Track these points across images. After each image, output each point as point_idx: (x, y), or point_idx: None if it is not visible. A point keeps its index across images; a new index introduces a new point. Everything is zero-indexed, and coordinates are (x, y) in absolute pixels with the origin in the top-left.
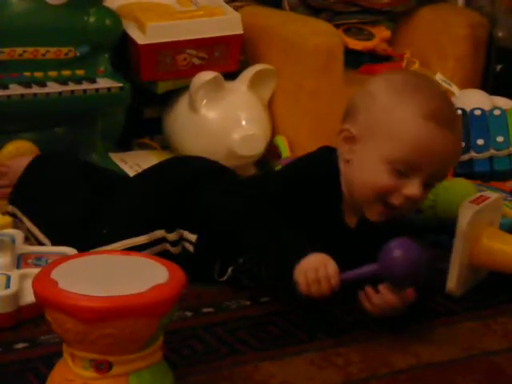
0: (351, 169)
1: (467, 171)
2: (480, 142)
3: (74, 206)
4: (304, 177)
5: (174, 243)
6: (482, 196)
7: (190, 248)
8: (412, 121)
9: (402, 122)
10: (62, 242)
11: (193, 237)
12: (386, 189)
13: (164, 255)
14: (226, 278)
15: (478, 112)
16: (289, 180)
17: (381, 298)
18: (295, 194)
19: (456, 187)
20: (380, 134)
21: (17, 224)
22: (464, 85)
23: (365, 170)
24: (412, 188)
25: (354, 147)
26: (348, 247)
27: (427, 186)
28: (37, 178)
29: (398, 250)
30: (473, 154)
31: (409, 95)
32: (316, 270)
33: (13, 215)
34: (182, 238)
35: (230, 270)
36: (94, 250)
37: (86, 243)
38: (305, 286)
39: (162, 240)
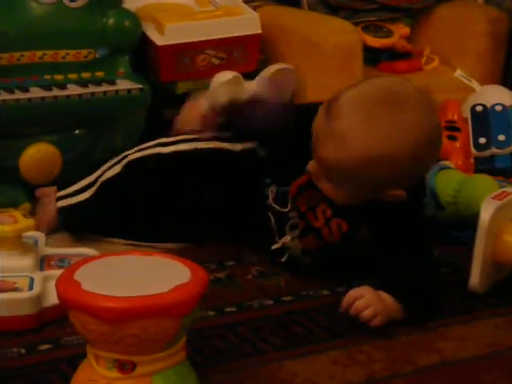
0: None
1: (489, 167)
2: (501, 137)
3: None
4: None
5: None
6: (504, 192)
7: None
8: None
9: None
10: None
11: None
12: None
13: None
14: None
15: (498, 108)
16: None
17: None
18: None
19: (478, 183)
20: None
21: None
22: (484, 81)
23: None
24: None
25: None
26: None
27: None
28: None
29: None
30: (494, 149)
31: None
32: None
33: None
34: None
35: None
36: None
37: None
38: None
39: None
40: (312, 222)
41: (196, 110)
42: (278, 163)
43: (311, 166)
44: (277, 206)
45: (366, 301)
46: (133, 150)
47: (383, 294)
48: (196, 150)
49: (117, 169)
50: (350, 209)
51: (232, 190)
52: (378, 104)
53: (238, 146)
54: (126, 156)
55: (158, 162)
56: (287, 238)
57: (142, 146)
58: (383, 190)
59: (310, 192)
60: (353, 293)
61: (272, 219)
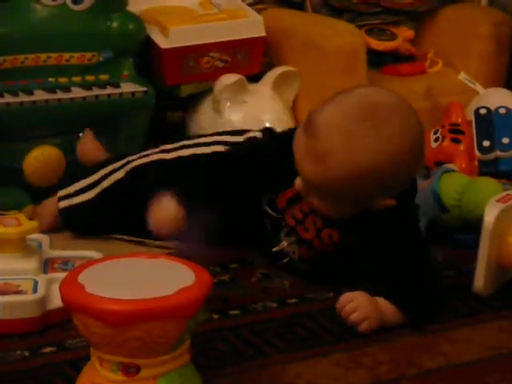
0: None
1: (493, 170)
2: (505, 140)
3: None
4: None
5: None
6: (508, 195)
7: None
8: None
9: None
10: None
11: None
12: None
13: None
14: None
15: (502, 110)
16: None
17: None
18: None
19: (481, 186)
20: None
21: None
22: (488, 83)
23: None
24: (297, 179)
25: None
26: None
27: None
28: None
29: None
30: (498, 152)
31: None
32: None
33: None
34: None
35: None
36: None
37: None
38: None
39: None
40: (302, 234)
41: (166, 214)
42: (273, 172)
43: (298, 183)
44: (272, 212)
45: (355, 304)
46: (136, 157)
47: (379, 300)
48: (198, 155)
49: (120, 174)
50: (341, 219)
51: (231, 193)
52: (355, 120)
53: (239, 151)
54: (129, 162)
55: (161, 167)
56: (284, 244)
57: (145, 153)
58: (371, 202)
59: (300, 204)
60: (345, 296)
61: (268, 224)
